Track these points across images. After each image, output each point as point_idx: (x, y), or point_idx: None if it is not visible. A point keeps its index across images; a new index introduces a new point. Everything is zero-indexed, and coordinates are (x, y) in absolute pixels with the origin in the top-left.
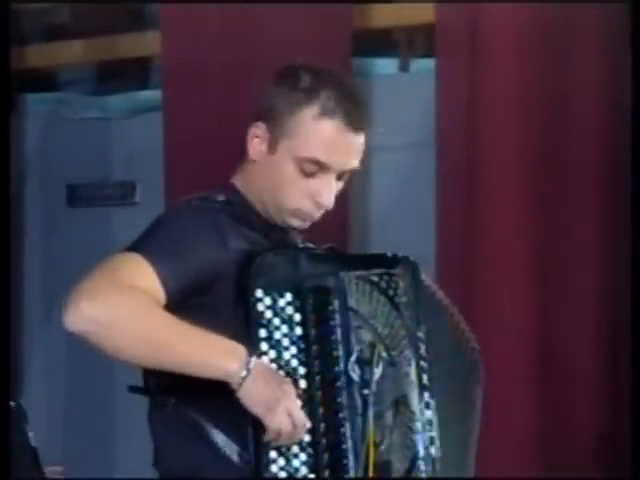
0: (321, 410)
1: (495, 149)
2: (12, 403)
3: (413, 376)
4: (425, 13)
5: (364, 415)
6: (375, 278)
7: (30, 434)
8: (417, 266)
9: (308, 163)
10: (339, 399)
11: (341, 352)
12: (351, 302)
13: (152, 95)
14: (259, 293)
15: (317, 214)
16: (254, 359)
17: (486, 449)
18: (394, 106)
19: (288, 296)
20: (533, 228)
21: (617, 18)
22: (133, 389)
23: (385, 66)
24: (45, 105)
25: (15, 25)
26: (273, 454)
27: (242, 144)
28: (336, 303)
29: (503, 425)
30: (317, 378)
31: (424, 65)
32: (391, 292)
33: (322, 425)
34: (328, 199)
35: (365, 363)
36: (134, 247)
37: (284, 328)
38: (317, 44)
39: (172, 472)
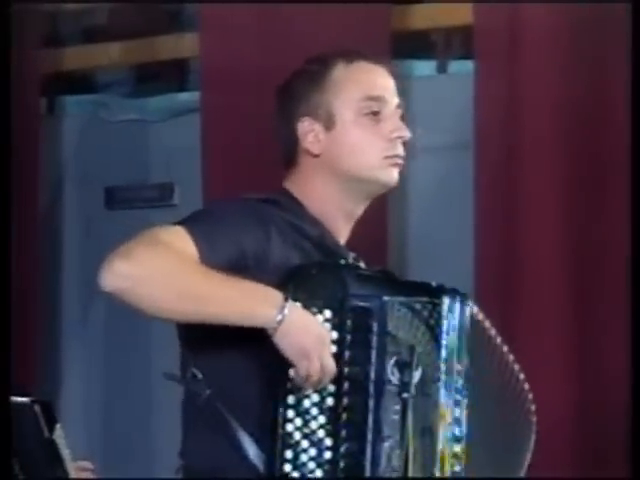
0: (345, 432)
1: (534, 150)
2: (26, 399)
3: (443, 408)
4: (463, 14)
5: (403, 419)
6: (418, 306)
7: (57, 425)
8: (466, 299)
9: (365, 106)
10: (367, 424)
11: (373, 376)
12: (390, 327)
13: (190, 97)
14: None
15: (401, 151)
16: (289, 304)
17: None
18: (432, 108)
19: (327, 313)
20: (572, 229)
21: None
22: (168, 376)
23: (423, 68)
24: (83, 107)
25: (52, 27)
26: (289, 453)
27: (275, 152)
28: (375, 326)
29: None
30: (345, 400)
31: (462, 67)
32: (432, 322)
33: (344, 446)
34: (402, 129)
35: (404, 366)
36: (178, 222)
37: None
38: (356, 45)
39: (194, 465)
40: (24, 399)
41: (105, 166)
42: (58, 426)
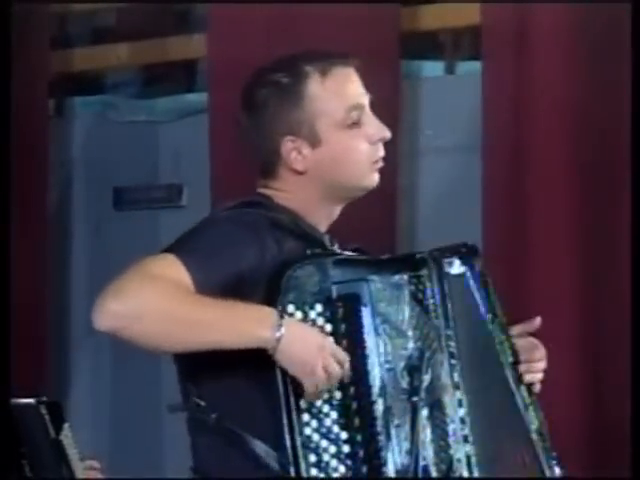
0: (357, 420)
1: (542, 151)
2: (31, 400)
3: (446, 378)
4: (471, 15)
5: (413, 422)
6: (402, 282)
7: (66, 425)
8: (441, 262)
9: (347, 117)
10: (375, 407)
11: (373, 359)
12: (380, 308)
13: (198, 98)
14: (290, 308)
15: (382, 152)
16: (286, 320)
17: None
18: (440, 108)
19: (318, 307)
20: (580, 230)
21: None
22: (172, 408)
23: (431, 68)
24: (91, 108)
25: (61, 28)
26: (312, 457)
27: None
28: (365, 310)
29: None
30: (351, 389)
31: (470, 67)
32: (420, 295)
33: (359, 435)
34: (382, 130)
35: (414, 370)
36: (168, 248)
37: None
38: (365, 46)
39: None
40: (29, 400)
41: (113, 167)
42: (66, 425)
